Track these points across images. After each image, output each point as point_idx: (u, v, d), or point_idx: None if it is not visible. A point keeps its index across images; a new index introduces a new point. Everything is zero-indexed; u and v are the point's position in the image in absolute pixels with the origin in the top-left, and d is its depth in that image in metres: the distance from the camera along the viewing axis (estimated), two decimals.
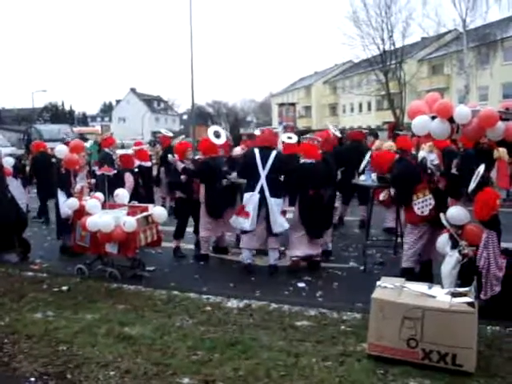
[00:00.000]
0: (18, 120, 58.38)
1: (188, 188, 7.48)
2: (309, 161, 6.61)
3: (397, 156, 6.39)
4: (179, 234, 7.74)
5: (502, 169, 4.61)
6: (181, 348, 4.16)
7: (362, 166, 7.33)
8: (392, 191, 6.44)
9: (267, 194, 6.48)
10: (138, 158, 9.01)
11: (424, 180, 5.67)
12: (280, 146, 7.64)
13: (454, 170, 5.34)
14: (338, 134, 8.31)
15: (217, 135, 7.33)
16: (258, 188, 6.50)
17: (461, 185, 5.12)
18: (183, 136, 11.18)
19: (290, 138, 7.43)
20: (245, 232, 6.66)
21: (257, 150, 6.64)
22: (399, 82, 36.23)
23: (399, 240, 6.87)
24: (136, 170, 8.44)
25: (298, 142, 7.28)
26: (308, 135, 7.39)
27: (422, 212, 5.64)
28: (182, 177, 7.39)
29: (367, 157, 7.31)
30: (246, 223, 6.52)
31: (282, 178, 6.76)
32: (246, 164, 6.75)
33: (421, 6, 37.65)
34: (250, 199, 6.52)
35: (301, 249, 6.68)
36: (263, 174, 6.50)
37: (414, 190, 5.69)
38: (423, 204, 5.63)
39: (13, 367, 3.92)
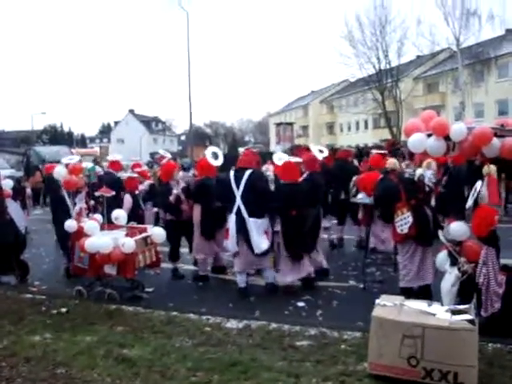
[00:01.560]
0: (17, 142, 58.64)
1: (176, 210, 7.46)
2: (288, 182, 6.59)
3: (380, 176, 6.47)
4: (174, 257, 7.71)
5: (492, 185, 4.65)
6: (180, 369, 4.13)
7: (351, 188, 7.41)
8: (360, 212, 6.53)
9: (245, 214, 6.41)
10: (146, 178, 9.56)
11: (403, 198, 5.72)
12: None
13: (440, 188, 5.40)
14: (320, 156, 7.80)
15: (215, 156, 7.37)
16: (234, 209, 6.47)
17: (448, 202, 5.17)
18: (170, 157, 11.18)
19: (280, 159, 7.40)
20: (235, 255, 6.62)
21: (232, 172, 6.65)
22: (395, 101, 36.54)
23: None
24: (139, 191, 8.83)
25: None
26: (289, 156, 7.28)
27: (402, 230, 5.68)
28: (171, 197, 7.39)
29: (354, 179, 7.38)
30: (228, 245, 6.54)
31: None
32: (222, 187, 6.72)
33: (415, 26, 38.09)
34: (230, 221, 6.54)
35: (291, 274, 6.61)
36: (238, 194, 6.45)
37: (395, 208, 5.74)
38: (402, 222, 5.68)
39: None
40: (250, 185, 6.44)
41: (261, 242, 6.41)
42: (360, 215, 7.67)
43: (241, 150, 8.67)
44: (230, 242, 6.48)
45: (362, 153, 11.33)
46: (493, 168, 4.68)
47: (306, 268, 6.67)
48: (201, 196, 7.21)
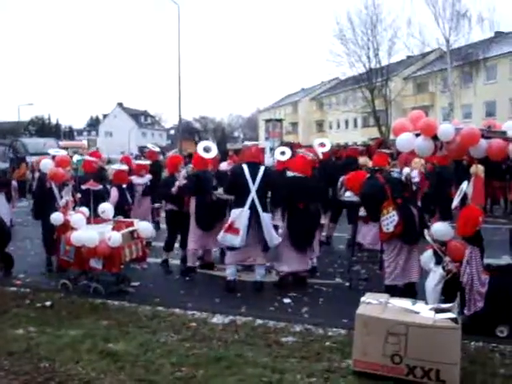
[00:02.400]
0: (3, 133, 57.93)
1: (179, 200, 7.49)
2: (299, 175, 6.67)
3: (367, 175, 6.52)
4: (169, 247, 7.72)
5: (478, 185, 4.70)
6: (165, 364, 4.12)
7: (339, 187, 7.46)
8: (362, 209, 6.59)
9: (259, 209, 6.44)
10: (146, 172, 9.45)
11: (389, 197, 5.77)
12: (268, 162, 7.68)
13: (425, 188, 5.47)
14: (319, 154, 8.11)
15: (207, 150, 7.39)
16: (248, 204, 6.43)
17: (431, 202, 5.23)
18: (176, 150, 11.30)
19: (283, 153, 7.44)
20: (232, 248, 6.58)
21: (245, 166, 6.62)
22: (385, 100, 36.71)
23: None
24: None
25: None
26: (302, 150, 7.46)
27: (388, 229, 5.73)
28: (173, 189, 7.41)
29: (341, 179, 7.43)
30: (237, 240, 6.38)
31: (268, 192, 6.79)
32: (235, 180, 6.70)
33: (405, 26, 38.24)
34: (240, 215, 6.41)
35: (289, 264, 6.69)
36: (253, 189, 6.47)
37: (381, 207, 5.79)
38: (388, 221, 5.73)
39: None
40: (265, 180, 6.52)
41: (276, 236, 6.56)
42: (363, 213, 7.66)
43: (247, 143, 8.74)
44: (241, 237, 6.35)
45: (369, 150, 11.35)
46: (480, 168, 4.73)
47: (304, 263, 6.77)
48: (196, 189, 7.21)
